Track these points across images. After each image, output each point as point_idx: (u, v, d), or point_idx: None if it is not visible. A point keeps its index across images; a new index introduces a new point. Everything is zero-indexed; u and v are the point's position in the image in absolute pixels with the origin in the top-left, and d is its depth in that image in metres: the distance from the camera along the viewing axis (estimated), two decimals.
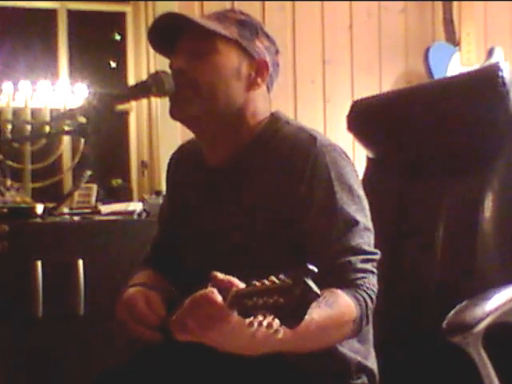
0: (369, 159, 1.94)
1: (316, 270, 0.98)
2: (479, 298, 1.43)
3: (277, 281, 1.01)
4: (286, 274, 1.01)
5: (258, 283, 1.04)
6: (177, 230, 1.59)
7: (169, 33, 1.45)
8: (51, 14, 3.23)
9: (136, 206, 2.67)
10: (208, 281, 1.22)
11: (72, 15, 3.25)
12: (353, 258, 1.32)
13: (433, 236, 1.70)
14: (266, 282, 1.03)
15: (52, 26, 3.23)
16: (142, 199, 2.89)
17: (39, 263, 2.31)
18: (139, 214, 2.59)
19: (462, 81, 1.82)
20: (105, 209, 2.68)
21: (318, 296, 0.98)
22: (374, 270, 1.36)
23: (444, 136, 1.76)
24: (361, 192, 1.41)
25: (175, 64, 1.45)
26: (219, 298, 1.10)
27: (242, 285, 1.11)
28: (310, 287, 0.97)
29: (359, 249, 1.34)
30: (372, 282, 1.34)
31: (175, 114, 1.45)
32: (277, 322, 1.00)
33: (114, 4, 3.36)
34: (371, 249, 1.37)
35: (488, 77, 1.68)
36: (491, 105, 1.67)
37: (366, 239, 1.36)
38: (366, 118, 1.94)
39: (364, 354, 1.44)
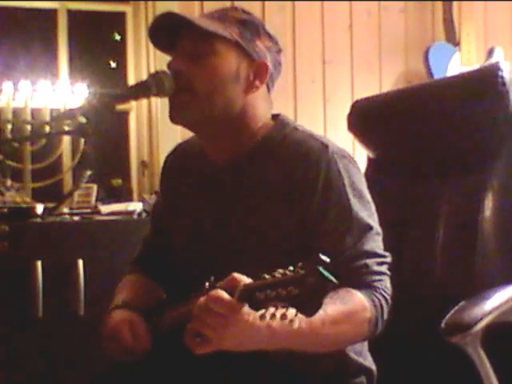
0: (369, 159, 1.94)
1: (328, 260, 0.98)
2: (478, 297, 1.43)
3: (288, 272, 1.01)
4: (296, 266, 1.01)
5: (267, 276, 1.04)
6: (171, 230, 1.57)
7: (169, 31, 1.44)
8: (51, 14, 3.23)
9: (136, 206, 2.67)
10: (206, 282, 1.21)
11: (72, 15, 3.25)
12: (369, 261, 1.34)
13: (433, 236, 1.70)
14: (277, 274, 1.02)
15: (52, 26, 3.23)
16: (142, 199, 2.89)
17: (39, 263, 2.31)
18: (139, 214, 2.59)
19: (462, 81, 1.82)
20: (105, 209, 2.68)
21: (334, 284, 0.98)
22: (388, 273, 1.37)
23: (444, 136, 1.76)
24: (369, 197, 1.43)
25: (173, 64, 1.43)
26: (226, 295, 1.10)
27: (247, 280, 1.11)
28: (325, 276, 0.97)
29: (374, 252, 1.35)
30: (387, 284, 1.35)
31: (174, 118, 1.44)
32: (292, 311, 1.01)
33: (114, 4, 3.36)
34: (383, 252, 1.38)
35: (488, 76, 1.68)
36: (491, 104, 1.67)
37: (378, 243, 1.38)
38: (366, 117, 1.94)
39: (364, 354, 1.45)
